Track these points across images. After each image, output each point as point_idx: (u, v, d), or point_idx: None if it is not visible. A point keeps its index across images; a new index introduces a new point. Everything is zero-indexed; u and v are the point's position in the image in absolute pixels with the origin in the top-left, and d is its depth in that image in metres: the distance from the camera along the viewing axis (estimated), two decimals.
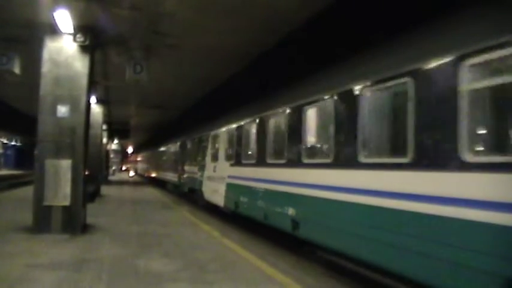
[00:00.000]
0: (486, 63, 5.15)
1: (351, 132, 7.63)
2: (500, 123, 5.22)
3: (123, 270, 7.55)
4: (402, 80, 6.43)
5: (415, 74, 6.17)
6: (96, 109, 22.48)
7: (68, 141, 10.72)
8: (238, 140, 14.30)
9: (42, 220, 10.49)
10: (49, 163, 10.56)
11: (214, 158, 17.41)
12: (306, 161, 9.38)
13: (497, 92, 5.13)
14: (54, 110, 10.75)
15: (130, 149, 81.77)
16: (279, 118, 11.17)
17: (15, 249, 8.90)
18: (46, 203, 10.44)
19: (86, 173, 11.35)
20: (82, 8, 10.32)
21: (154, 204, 20.43)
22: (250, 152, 13.27)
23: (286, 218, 9.79)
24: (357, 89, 7.58)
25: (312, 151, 9.56)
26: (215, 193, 16.41)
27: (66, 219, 10.55)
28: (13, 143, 63.72)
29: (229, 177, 14.77)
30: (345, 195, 7.65)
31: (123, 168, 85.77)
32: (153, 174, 41.57)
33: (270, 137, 11.59)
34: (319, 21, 12.07)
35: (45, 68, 10.85)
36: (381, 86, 7.03)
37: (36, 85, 11.37)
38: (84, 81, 11.02)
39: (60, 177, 10.49)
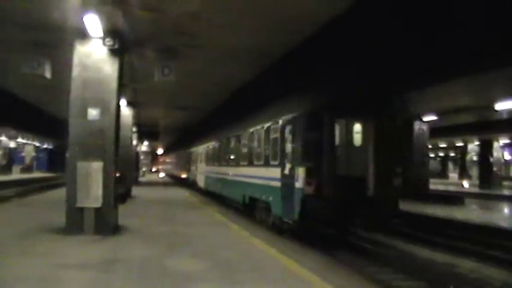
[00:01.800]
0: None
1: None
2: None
3: (153, 270, 7.62)
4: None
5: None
6: (126, 111, 22.71)
7: (98, 144, 10.84)
8: (208, 152, 27.46)
9: (75, 221, 10.63)
10: (80, 165, 10.68)
11: (201, 161, 30.30)
12: (222, 163, 22.16)
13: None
14: (84, 113, 10.87)
15: (160, 151, 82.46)
16: (217, 144, 24.11)
17: (48, 249, 9.06)
18: (78, 205, 10.56)
19: (117, 174, 11.47)
20: (110, 12, 10.44)
21: (184, 204, 20.57)
22: (209, 159, 26.58)
23: (219, 188, 22.66)
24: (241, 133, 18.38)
25: (225, 159, 21.61)
26: (201, 181, 29.72)
27: (98, 221, 10.65)
28: (45, 146, 64.76)
29: (205, 172, 28.06)
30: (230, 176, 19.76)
31: (153, 169, 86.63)
32: (180, 175, 47.10)
33: (216, 152, 24.16)
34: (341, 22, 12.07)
35: (76, 71, 10.94)
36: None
37: (66, 89, 11.55)
38: (113, 84, 11.11)
39: (92, 179, 10.61)
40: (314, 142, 11.41)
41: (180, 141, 52.60)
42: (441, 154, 75.98)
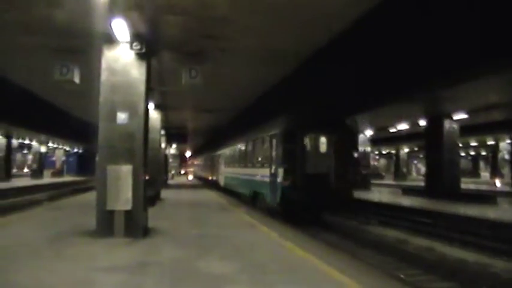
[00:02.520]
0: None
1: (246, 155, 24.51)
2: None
3: (184, 272, 7.66)
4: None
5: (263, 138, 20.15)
6: (154, 115, 22.82)
7: (128, 147, 10.92)
8: (225, 156, 32.19)
9: (105, 224, 10.72)
10: (110, 169, 10.77)
11: (221, 164, 34.72)
12: (235, 165, 27.29)
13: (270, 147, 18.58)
14: (113, 117, 10.97)
15: (188, 153, 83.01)
16: (231, 149, 29.26)
17: (80, 252, 9.16)
18: (108, 208, 10.66)
19: (146, 177, 11.55)
20: (137, 17, 10.55)
21: (213, 206, 20.63)
22: (226, 162, 31.47)
23: (234, 186, 27.42)
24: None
25: (237, 162, 26.39)
26: (221, 181, 34.27)
27: (128, 223, 10.73)
28: (75, 150, 65.69)
29: (224, 173, 32.85)
30: (241, 175, 24.82)
31: (182, 172, 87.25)
32: (208, 177, 49.39)
33: (231, 156, 29.19)
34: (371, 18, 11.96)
35: (104, 76, 11.04)
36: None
37: (94, 93, 11.67)
38: (141, 88, 11.19)
39: (122, 182, 10.69)
40: (290, 150, 16.48)
41: (208, 143, 53.05)
42: (472, 153, 75.03)
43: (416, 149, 59.40)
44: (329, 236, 14.62)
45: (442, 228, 16.01)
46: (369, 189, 32.79)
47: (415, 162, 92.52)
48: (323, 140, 17.26)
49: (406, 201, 23.78)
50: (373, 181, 37.82)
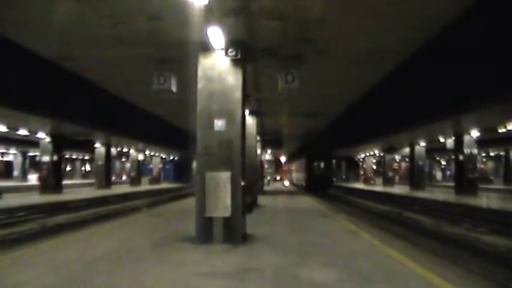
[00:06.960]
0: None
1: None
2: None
3: (285, 279, 7.50)
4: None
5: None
6: (250, 121, 22.91)
7: (226, 154, 10.94)
8: (296, 167, 79.89)
9: (204, 231, 10.79)
10: (209, 176, 10.83)
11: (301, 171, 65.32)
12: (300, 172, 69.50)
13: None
14: (211, 124, 11.02)
15: (283, 159, 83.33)
16: (297, 164, 76.06)
17: (181, 258, 9.27)
18: (207, 215, 10.72)
19: (244, 183, 11.53)
20: (232, 23, 10.55)
21: (311, 213, 20.39)
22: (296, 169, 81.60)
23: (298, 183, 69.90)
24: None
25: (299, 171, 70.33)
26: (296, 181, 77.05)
27: (227, 230, 10.74)
28: (171, 158, 67.66)
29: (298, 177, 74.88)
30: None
31: (277, 178, 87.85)
32: (303, 183, 58.84)
33: (300, 166, 67.49)
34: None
35: (201, 84, 11.12)
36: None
37: (190, 101, 11.80)
38: (238, 94, 11.17)
39: (220, 189, 10.72)
40: (309, 166, 52.03)
41: (304, 148, 53.82)
42: None
43: None
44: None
45: None
46: (475, 195, 30.73)
47: None
48: (320, 162, 49.64)
49: None
50: (481, 185, 35.50)
